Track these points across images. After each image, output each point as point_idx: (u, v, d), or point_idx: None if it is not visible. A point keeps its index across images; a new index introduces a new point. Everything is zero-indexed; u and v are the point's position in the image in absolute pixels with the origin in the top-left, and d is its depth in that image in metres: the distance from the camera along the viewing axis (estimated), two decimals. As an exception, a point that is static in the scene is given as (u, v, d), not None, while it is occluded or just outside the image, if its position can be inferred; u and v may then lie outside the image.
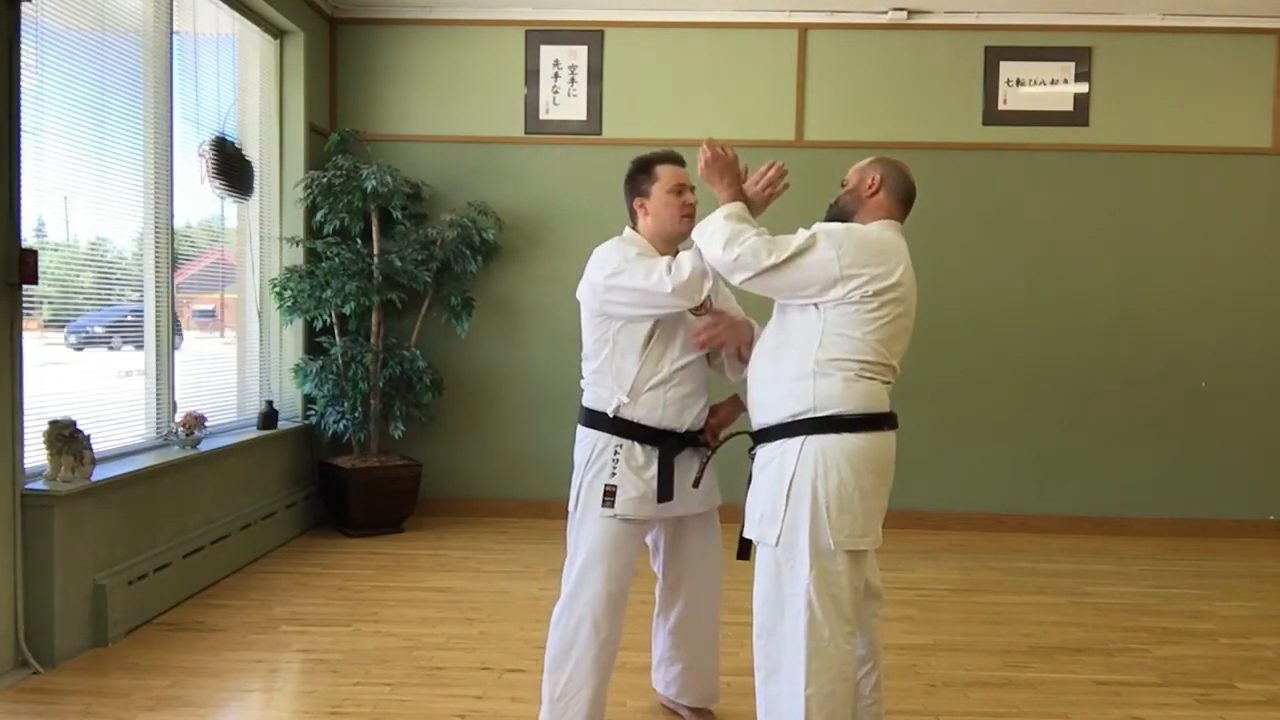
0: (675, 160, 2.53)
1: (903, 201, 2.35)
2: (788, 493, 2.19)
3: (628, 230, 2.60)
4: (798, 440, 2.20)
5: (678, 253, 2.45)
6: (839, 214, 2.37)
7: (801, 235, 2.21)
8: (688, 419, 2.49)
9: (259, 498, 4.51)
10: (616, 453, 2.44)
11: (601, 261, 2.46)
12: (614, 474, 2.43)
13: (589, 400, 2.52)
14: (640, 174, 2.53)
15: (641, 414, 2.44)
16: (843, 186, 2.40)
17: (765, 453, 2.29)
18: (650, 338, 2.45)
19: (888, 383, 2.26)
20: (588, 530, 2.46)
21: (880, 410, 2.23)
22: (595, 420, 2.49)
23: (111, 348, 3.87)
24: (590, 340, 2.52)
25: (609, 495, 2.42)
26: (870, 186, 2.34)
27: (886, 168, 2.36)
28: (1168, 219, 5.24)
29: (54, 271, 3.46)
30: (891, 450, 2.26)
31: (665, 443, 2.46)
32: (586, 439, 2.50)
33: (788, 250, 2.19)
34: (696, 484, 2.50)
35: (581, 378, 2.58)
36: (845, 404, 2.18)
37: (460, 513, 5.35)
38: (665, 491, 2.45)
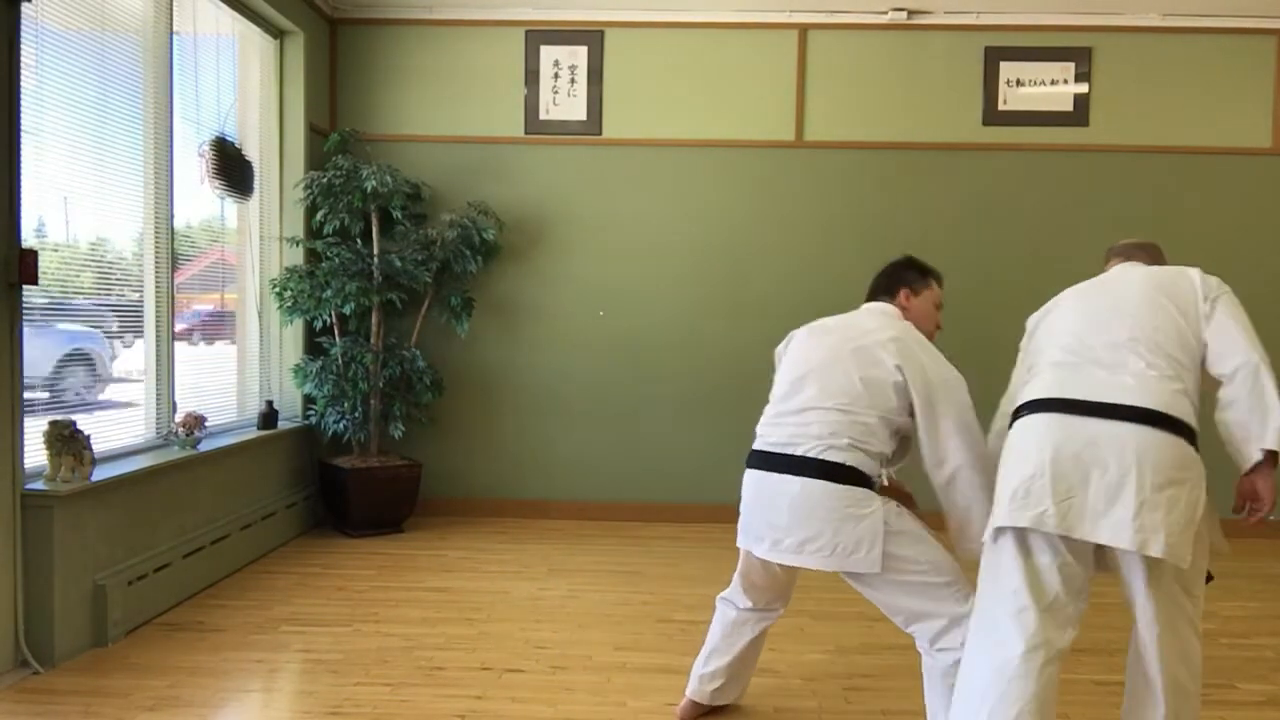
0: (942, 285, 2.77)
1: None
2: None
3: (899, 312, 2.67)
4: None
5: None
6: None
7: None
8: None
9: (259, 498, 4.51)
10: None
11: (944, 364, 2.56)
12: None
13: (859, 463, 2.46)
14: (916, 273, 2.72)
15: None
16: None
17: None
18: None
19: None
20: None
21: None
22: (869, 484, 2.50)
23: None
24: (890, 411, 2.49)
25: None
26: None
27: None
28: (1168, 219, 5.23)
29: (54, 271, 3.46)
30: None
31: None
32: (876, 504, 2.48)
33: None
34: None
35: (823, 431, 2.48)
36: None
37: (460, 513, 5.35)
38: None
